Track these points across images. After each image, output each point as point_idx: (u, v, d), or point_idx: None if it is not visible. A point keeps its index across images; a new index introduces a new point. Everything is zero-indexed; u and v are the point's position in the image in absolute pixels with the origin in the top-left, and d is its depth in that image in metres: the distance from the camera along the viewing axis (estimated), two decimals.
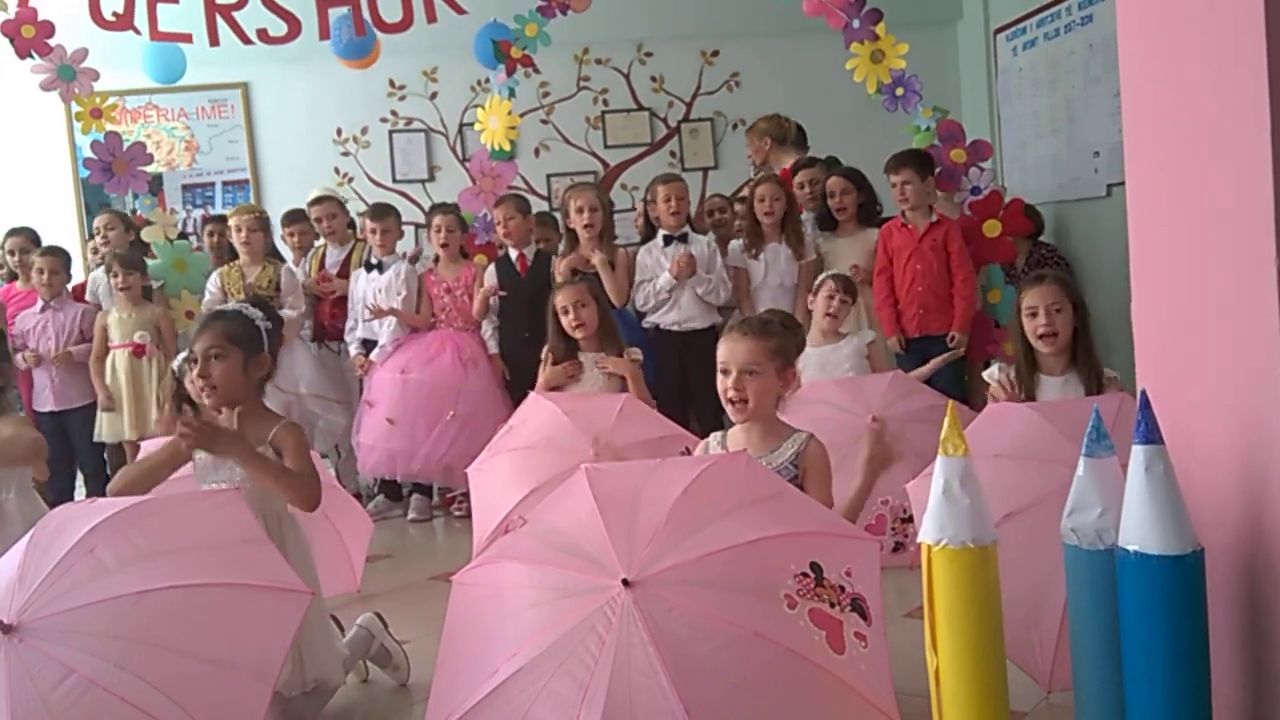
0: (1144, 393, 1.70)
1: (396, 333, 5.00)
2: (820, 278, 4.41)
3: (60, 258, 5.16)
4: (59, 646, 1.99)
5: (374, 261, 5.10)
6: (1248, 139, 1.62)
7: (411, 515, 4.97)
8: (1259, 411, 1.64)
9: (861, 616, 1.98)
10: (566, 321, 4.09)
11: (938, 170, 4.89)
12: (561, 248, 5.11)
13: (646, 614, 1.86)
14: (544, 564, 2.04)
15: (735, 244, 5.00)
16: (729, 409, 2.65)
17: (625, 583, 1.89)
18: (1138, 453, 1.63)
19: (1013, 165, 6.82)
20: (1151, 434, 1.64)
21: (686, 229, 4.92)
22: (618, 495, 2.09)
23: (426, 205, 6.75)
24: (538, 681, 1.91)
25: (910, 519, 3.40)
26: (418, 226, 6.98)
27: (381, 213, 5.23)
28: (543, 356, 4.19)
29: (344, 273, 5.28)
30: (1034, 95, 6.56)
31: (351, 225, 5.53)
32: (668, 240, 4.87)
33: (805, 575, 1.96)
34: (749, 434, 2.65)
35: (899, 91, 4.92)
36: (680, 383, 4.73)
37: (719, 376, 2.65)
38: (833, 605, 1.95)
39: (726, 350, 2.63)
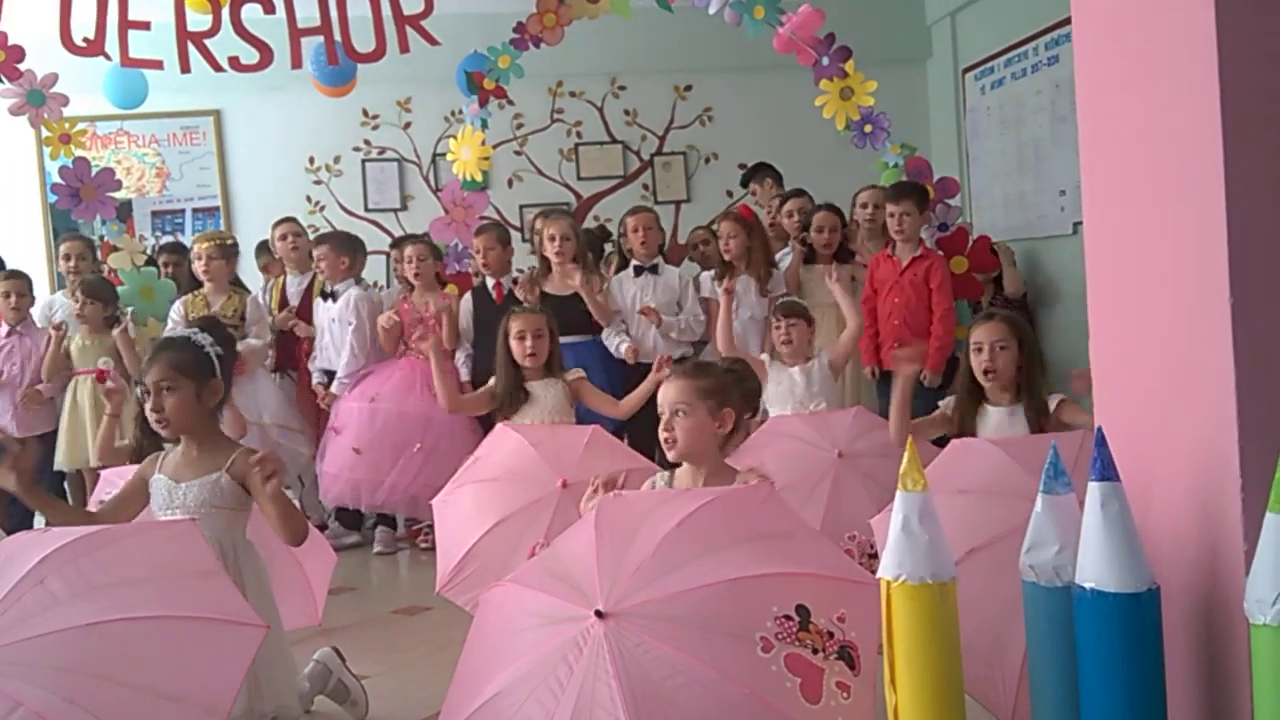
0: (1100, 430, 1.71)
1: (351, 364, 4.92)
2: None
3: (25, 282, 5.09)
4: (6, 679, 1.93)
5: (328, 290, 5.07)
6: (1203, 179, 1.64)
7: (377, 548, 4.91)
8: (1215, 449, 1.65)
9: (849, 665, 1.92)
10: (520, 347, 3.93)
11: None
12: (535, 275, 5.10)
13: (614, 647, 1.85)
14: (537, 589, 2.05)
15: (707, 275, 5.03)
16: (665, 450, 2.60)
17: (599, 614, 1.88)
18: (1094, 490, 1.64)
19: (980, 202, 6.90)
20: (1107, 471, 1.65)
21: (658, 260, 4.96)
22: (618, 525, 2.07)
23: (398, 234, 6.75)
24: (514, 705, 1.91)
25: (876, 555, 3.40)
26: (390, 256, 6.96)
27: (321, 240, 5.22)
28: (492, 392, 4.05)
29: (306, 301, 5.23)
30: (1001, 133, 6.65)
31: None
32: (639, 271, 4.90)
33: (789, 618, 1.91)
34: (694, 476, 2.59)
35: (867, 128, 4.97)
36: (649, 415, 4.71)
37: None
38: (815, 651, 1.90)
39: (660, 392, 2.61)
